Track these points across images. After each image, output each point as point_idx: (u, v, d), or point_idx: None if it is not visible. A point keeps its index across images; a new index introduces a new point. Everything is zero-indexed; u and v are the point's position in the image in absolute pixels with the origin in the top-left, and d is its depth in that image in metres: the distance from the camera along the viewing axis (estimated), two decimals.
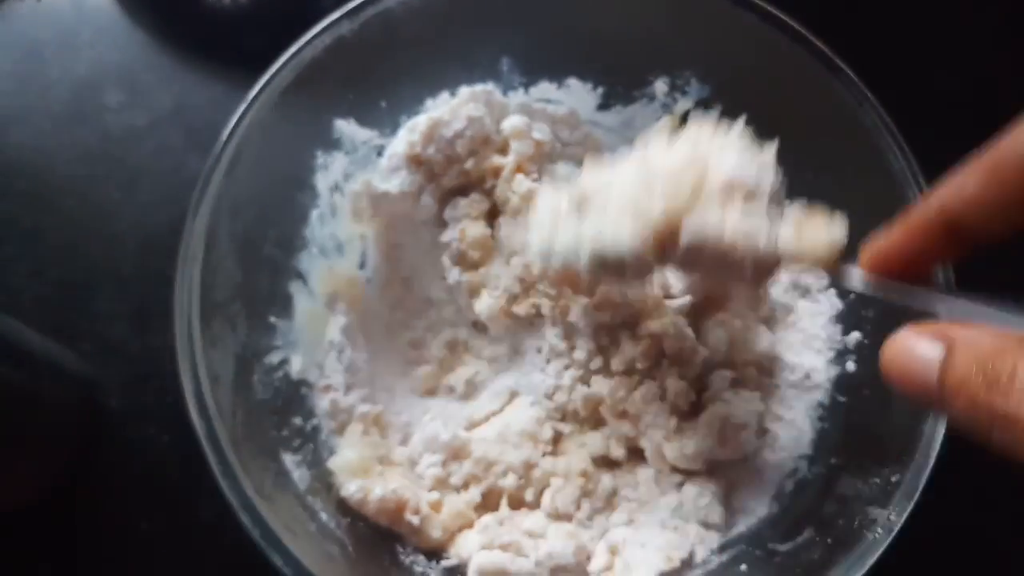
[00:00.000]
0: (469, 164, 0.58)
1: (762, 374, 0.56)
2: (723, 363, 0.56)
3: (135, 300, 0.62)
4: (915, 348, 0.32)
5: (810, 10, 0.53)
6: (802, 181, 0.58)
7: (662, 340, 0.55)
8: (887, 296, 0.41)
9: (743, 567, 0.51)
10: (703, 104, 0.59)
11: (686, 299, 0.55)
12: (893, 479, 0.47)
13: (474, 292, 0.58)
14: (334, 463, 0.52)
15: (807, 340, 0.57)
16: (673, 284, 0.56)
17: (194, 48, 0.68)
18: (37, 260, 0.62)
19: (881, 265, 0.40)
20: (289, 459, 0.50)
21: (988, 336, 0.30)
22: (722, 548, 0.53)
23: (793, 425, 0.56)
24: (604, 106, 0.61)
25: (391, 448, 0.55)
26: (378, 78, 0.55)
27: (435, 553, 0.52)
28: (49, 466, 0.56)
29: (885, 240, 0.40)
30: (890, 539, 0.46)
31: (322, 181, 0.55)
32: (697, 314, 0.56)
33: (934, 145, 0.51)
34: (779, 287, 0.59)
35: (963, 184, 0.36)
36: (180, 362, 0.45)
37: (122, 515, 0.57)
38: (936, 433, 0.47)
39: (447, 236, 0.58)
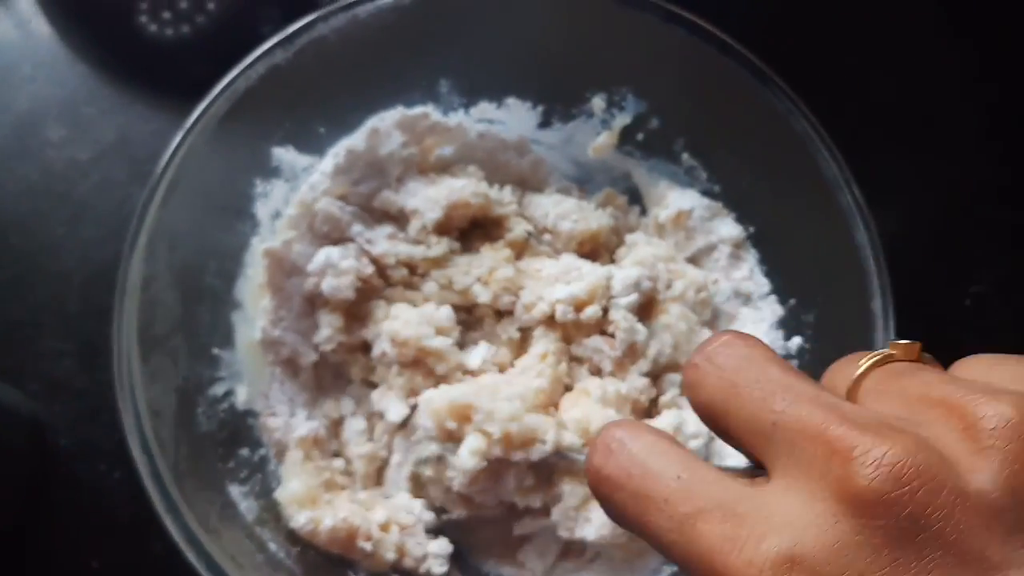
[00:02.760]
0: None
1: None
2: (669, 366, 0.56)
3: (82, 336, 0.61)
4: None
5: (742, 21, 0.54)
6: (738, 190, 0.59)
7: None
8: None
9: None
10: (640, 119, 0.60)
11: (632, 297, 0.55)
12: None
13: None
14: (280, 495, 0.51)
15: (755, 322, 0.58)
16: (617, 285, 0.56)
17: (137, 79, 0.67)
18: None
19: None
20: (236, 491, 0.50)
21: None
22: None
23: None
24: (544, 124, 0.61)
25: (335, 471, 0.54)
26: (315, 103, 0.55)
27: (386, 575, 0.52)
28: None
29: None
30: None
31: (262, 209, 0.55)
32: (640, 316, 0.56)
33: (874, 146, 0.52)
34: (722, 295, 0.59)
35: None
36: (119, 399, 0.45)
37: (73, 554, 0.56)
38: None
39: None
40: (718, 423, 0.28)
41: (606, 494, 0.28)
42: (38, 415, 0.59)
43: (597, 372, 0.56)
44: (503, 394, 0.51)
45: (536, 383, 0.53)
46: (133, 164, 0.65)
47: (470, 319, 0.57)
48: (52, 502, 0.57)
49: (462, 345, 0.55)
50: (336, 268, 0.54)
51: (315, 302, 0.55)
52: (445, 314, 0.54)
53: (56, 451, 0.58)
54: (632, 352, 0.55)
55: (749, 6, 0.70)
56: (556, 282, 0.55)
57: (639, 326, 0.54)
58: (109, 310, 0.46)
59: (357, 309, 0.55)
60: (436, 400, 0.51)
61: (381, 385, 0.54)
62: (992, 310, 0.66)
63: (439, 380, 0.53)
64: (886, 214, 0.53)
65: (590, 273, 0.55)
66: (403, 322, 0.53)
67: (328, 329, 0.54)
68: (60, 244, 0.63)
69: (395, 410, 0.52)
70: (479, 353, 0.54)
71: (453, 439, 0.51)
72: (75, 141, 0.66)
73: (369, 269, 0.55)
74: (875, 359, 0.28)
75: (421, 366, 0.53)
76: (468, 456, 0.50)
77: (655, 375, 0.57)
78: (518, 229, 0.59)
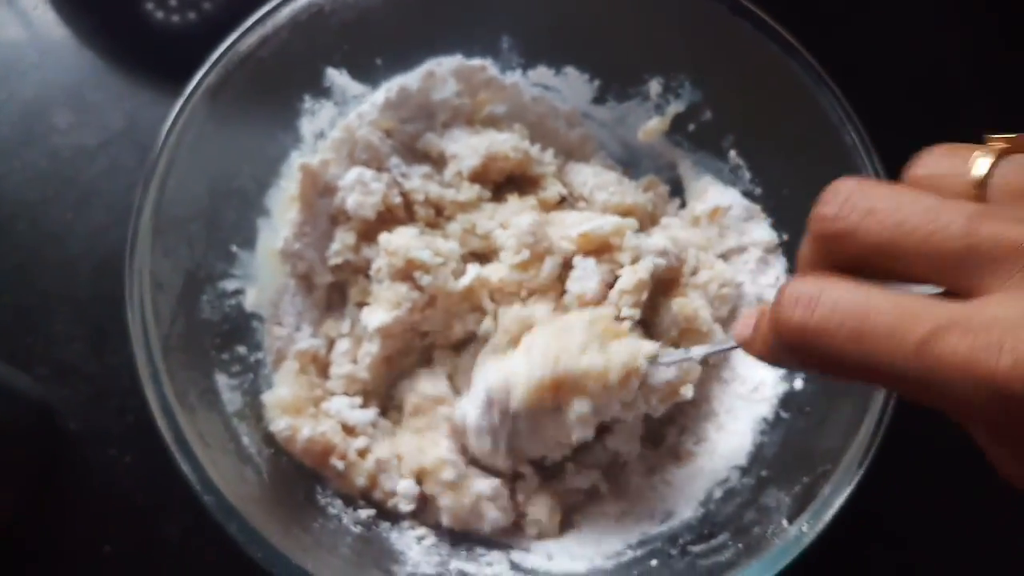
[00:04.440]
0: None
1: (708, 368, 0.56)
2: (670, 343, 0.55)
3: (91, 321, 0.61)
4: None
5: (800, 19, 0.53)
6: (778, 196, 0.58)
7: None
8: None
9: (653, 562, 0.50)
10: (694, 109, 0.59)
11: (657, 260, 0.54)
12: (813, 493, 0.46)
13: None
14: (267, 397, 0.52)
15: None
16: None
17: (144, 66, 0.68)
18: None
19: None
20: (223, 381, 0.51)
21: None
22: (640, 543, 0.52)
23: (735, 436, 0.55)
24: (599, 100, 0.62)
25: (325, 390, 0.55)
26: (377, 34, 0.56)
27: (353, 500, 0.53)
28: (8, 492, 0.56)
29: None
30: (800, 550, 0.45)
31: (307, 126, 0.57)
32: (656, 291, 0.55)
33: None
34: (744, 301, 0.58)
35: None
36: (127, 263, 0.46)
37: (84, 539, 0.57)
38: (861, 453, 0.46)
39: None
40: (886, 264, 0.29)
41: (818, 346, 0.29)
42: (47, 400, 0.59)
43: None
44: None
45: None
46: (141, 150, 0.65)
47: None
48: (62, 487, 0.58)
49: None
50: (365, 187, 0.55)
51: (338, 219, 0.56)
52: (448, 245, 0.54)
53: (66, 435, 0.59)
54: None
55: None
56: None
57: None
58: (117, 295, 0.46)
59: (373, 234, 0.55)
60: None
61: (372, 303, 0.54)
62: None
63: (424, 292, 0.53)
64: None
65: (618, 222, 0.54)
66: (399, 235, 0.54)
67: (340, 244, 0.55)
68: (68, 230, 0.64)
69: (375, 318, 0.52)
70: (469, 275, 0.54)
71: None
72: (82, 127, 0.66)
73: (397, 199, 0.56)
74: (989, 155, 0.29)
75: (409, 280, 0.53)
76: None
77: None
78: (552, 189, 0.59)
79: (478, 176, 0.58)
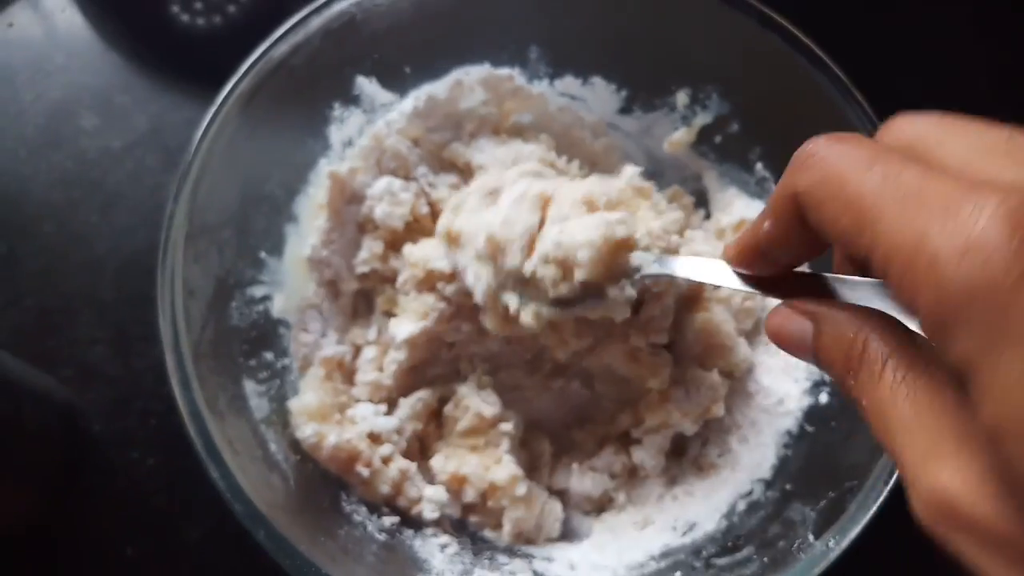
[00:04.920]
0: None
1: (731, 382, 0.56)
2: (695, 360, 0.55)
3: (115, 324, 0.62)
4: (789, 324, 0.33)
5: (830, 32, 0.53)
6: None
7: None
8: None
9: (677, 574, 0.50)
10: (721, 121, 0.59)
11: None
12: (839, 509, 0.46)
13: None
14: (293, 404, 0.52)
15: (786, 368, 0.57)
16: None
17: (169, 69, 0.69)
18: (15, 287, 0.62)
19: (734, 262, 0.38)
20: (251, 387, 0.51)
21: (845, 314, 0.31)
22: (663, 555, 0.52)
23: (758, 449, 0.55)
24: (625, 110, 0.62)
25: (351, 397, 0.55)
26: (406, 43, 0.57)
27: (377, 508, 0.53)
28: (31, 493, 0.56)
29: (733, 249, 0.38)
30: (825, 565, 0.45)
31: (335, 133, 0.57)
32: (679, 308, 0.56)
33: None
34: (767, 311, 0.58)
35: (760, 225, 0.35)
36: (159, 270, 0.46)
37: (107, 541, 0.57)
38: (888, 469, 0.46)
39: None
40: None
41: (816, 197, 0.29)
42: (71, 402, 0.60)
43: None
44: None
45: None
46: (166, 152, 0.65)
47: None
48: (85, 489, 0.58)
49: None
50: (394, 196, 0.55)
51: (365, 228, 0.56)
52: None
53: (89, 438, 0.59)
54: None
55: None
56: None
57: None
58: (142, 297, 0.47)
59: (400, 243, 0.56)
60: None
61: (399, 313, 0.55)
62: None
63: (449, 303, 0.53)
64: None
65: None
66: (422, 247, 0.54)
67: (367, 252, 0.55)
68: (93, 232, 0.64)
69: (403, 329, 0.53)
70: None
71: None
72: (108, 130, 0.67)
73: (424, 209, 0.56)
74: None
75: (434, 291, 0.53)
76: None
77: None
78: None
79: None
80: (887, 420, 0.28)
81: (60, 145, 0.67)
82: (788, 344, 0.33)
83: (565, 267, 0.46)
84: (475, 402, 0.53)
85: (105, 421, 0.60)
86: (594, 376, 0.57)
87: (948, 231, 0.24)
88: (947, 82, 0.72)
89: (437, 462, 0.53)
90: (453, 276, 0.52)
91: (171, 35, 0.71)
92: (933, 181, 0.26)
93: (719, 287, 0.56)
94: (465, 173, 0.60)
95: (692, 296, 0.56)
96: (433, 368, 0.56)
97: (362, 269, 0.56)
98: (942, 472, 0.25)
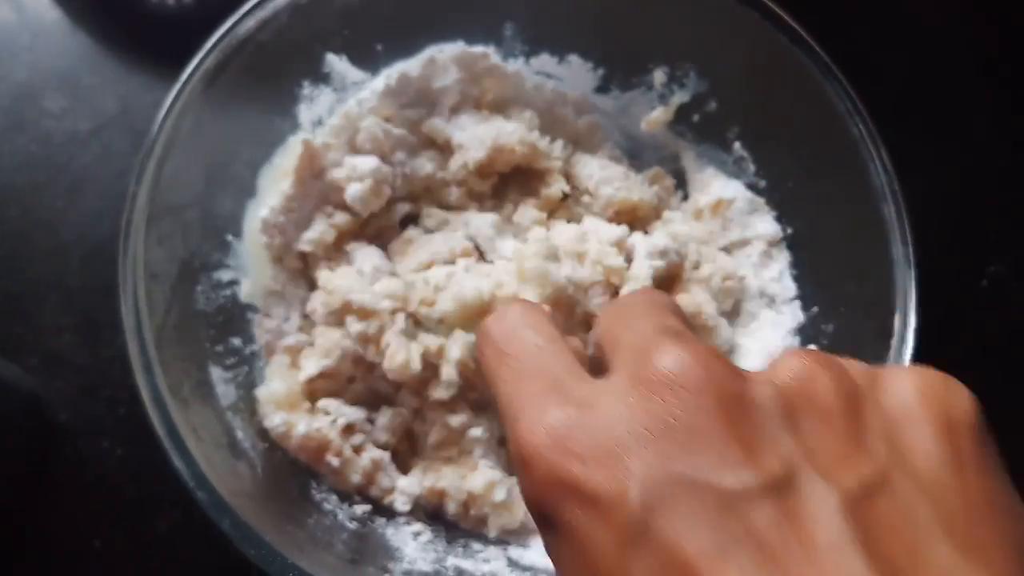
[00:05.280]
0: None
1: None
2: None
3: (82, 311, 0.60)
4: None
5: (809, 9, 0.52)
6: (783, 189, 0.57)
7: None
8: None
9: None
10: (699, 99, 0.58)
11: (656, 263, 0.54)
12: None
13: None
14: (261, 393, 0.51)
15: (765, 349, 0.56)
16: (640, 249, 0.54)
17: (139, 50, 0.66)
18: None
19: None
20: (217, 373, 0.50)
21: None
22: None
23: None
24: (602, 89, 0.60)
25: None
26: (377, 19, 0.55)
27: (349, 496, 0.52)
28: None
29: None
30: None
31: (305, 112, 0.55)
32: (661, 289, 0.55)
33: (889, 127, 0.51)
34: (747, 295, 0.58)
35: None
36: (120, 251, 0.45)
37: (74, 533, 0.56)
38: None
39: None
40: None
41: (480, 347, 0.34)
42: (37, 391, 0.58)
43: None
44: None
45: None
46: (134, 135, 0.63)
47: None
48: (53, 479, 0.57)
49: None
50: (378, 180, 0.54)
51: (320, 208, 0.55)
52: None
53: (56, 427, 0.58)
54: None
55: None
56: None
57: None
58: (110, 284, 0.45)
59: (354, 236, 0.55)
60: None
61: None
62: (1010, 291, 0.66)
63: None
64: (907, 192, 0.51)
65: (607, 234, 0.53)
66: (340, 273, 0.53)
67: (316, 233, 0.54)
68: (60, 217, 0.62)
69: (307, 367, 0.52)
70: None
71: None
72: (75, 112, 0.65)
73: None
74: None
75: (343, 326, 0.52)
76: None
77: None
78: (555, 187, 0.58)
79: (484, 168, 0.57)
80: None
81: (24, 128, 0.64)
82: None
83: None
84: (440, 414, 0.52)
85: (72, 410, 0.58)
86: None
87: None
88: (931, 59, 0.71)
89: (414, 478, 0.52)
90: (369, 314, 0.51)
91: (141, 15, 0.69)
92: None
93: (698, 268, 0.56)
94: (445, 151, 0.58)
95: (671, 277, 0.55)
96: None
97: (304, 247, 0.54)
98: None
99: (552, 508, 0.27)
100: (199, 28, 0.49)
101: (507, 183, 0.59)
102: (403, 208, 0.58)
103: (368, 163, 0.54)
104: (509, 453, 0.32)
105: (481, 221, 0.56)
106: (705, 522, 0.24)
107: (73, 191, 0.63)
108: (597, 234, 0.54)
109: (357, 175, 0.54)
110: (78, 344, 0.59)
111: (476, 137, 0.56)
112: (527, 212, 0.58)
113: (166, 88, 0.48)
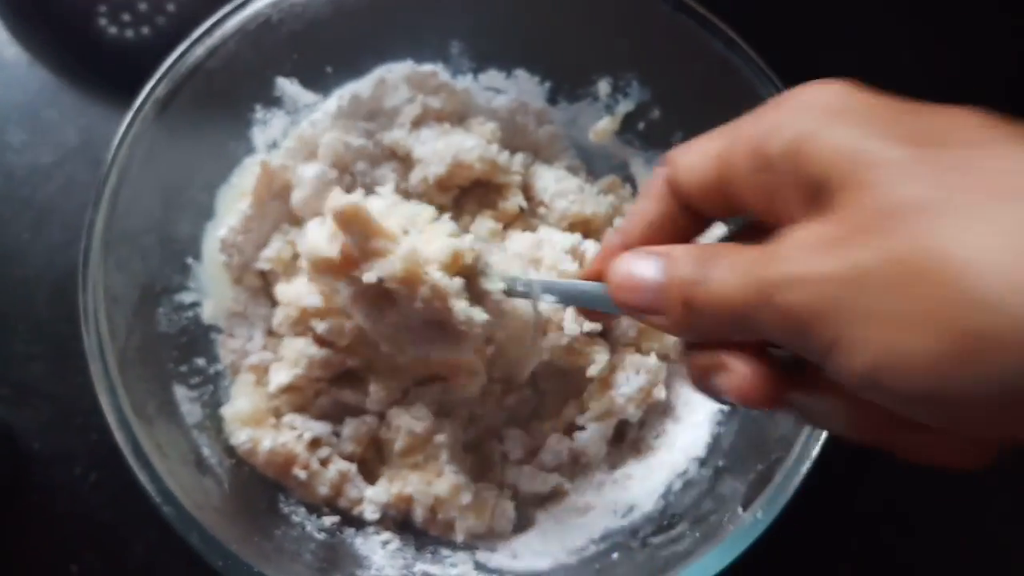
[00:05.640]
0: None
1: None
2: (632, 345, 0.56)
3: (51, 340, 0.61)
4: (635, 263, 0.35)
5: (743, 14, 0.54)
6: None
7: None
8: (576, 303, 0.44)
9: (614, 556, 0.51)
10: (643, 108, 0.60)
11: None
12: (766, 480, 0.47)
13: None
14: (226, 411, 0.52)
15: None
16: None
17: (98, 82, 0.68)
18: None
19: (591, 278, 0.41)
20: (182, 393, 0.51)
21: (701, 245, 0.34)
22: (602, 538, 0.53)
23: (693, 428, 0.56)
24: (551, 101, 0.62)
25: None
26: (325, 42, 0.56)
27: (317, 508, 0.53)
28: None
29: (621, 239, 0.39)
30: (754, 536, 0.46)
31: (259, 136, 0.57)
32: None
33: None
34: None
35: (635, 213, 0.38)
36: (80, 276, 0.46)
37: (51, 559, 0.57)
38: (810, 439, 0.47)
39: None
40: None
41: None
42: (8, 421, 0.59)
43: None
44: None
45: None
46: (96, 166, 0.60)
47: None
48: (27, 507, 0.58)
49: None
50: (321, 184, 0.55)
51: (285, 219, 0.56)
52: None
53: (29, 456, 0.59)
54: None
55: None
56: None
57: None
58: (77, 314, 0.46)
59: None
60: None
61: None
62: None
63: (323, 343, 0.54)
64: None
65: (561, 242, 0.55)
66: (294, 284, 0.54)
67: (273, 251, 0.55)
68: (26, 249, 0.63)
69: (277, 378, 0.53)
70: None
71: None
72: (36, 145, 0.66)
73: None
74: None
75: (308, 332, 0.54)
76: None
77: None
78: (513, 201, 0.59)
79: (444, 183, 0.58)
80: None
81: None
82: (633, 288, 0.35)
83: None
84: (405, 420, 0.53)
85: (44, 439, 0.59)
86: (537, 375, 0.58)
87: None
88: (868, 60, 0.74)
89: (381, 487, 0.53)
90: (328, 311, 0.52)
91: (99, 48, 0.70)
92: None
93: None
94: (406, 164, 0.59)
95: None
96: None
97: (263, 266, 0.55)
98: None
99: None
100: (157, 59, 0.51)
101: (466, 195, 0.61)
102: None
103: (311, 170, 0.55)
104: None
105: None
106: None
107: (38, 223, 0.64)
108: (551, 242, 0.56)
109: (301, 181, 0.55)
110: (48, 373, 0.60)
111: (436, 152, 0.58)
112: (484, 223, 0.59)
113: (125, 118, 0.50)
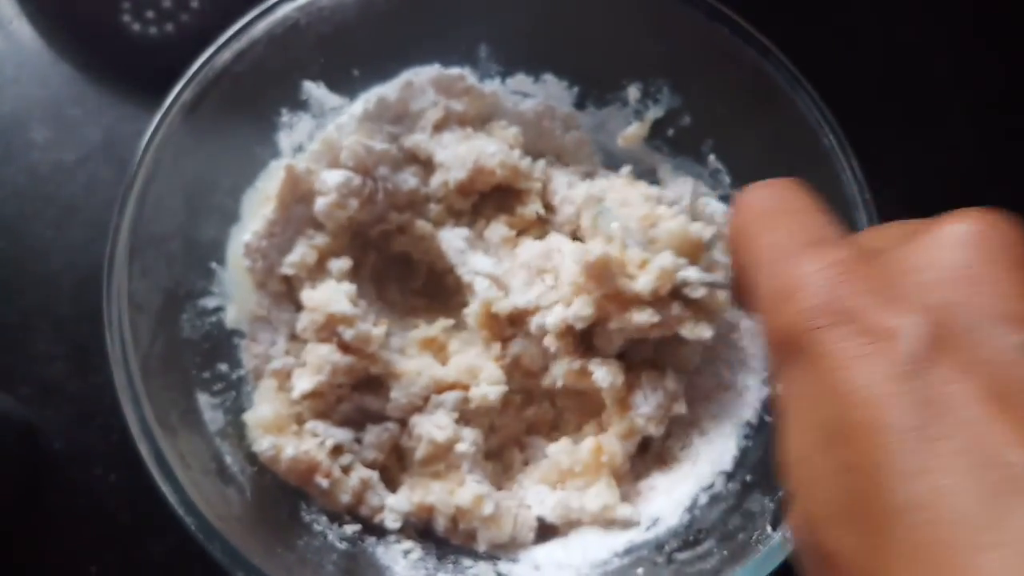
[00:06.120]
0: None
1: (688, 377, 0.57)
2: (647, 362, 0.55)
3: (73, 339, 0.61)
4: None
5: (778, 23, 0.53)
6: None
7: None
8: None
9: (639, 571, 0.50)
10: (673, 114, 0.59)
11: None
12: None
13: None
14: (249, 417, 0.52)
15: (745, 359, 0.57)
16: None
17: (122, 79, 0.67)
18: None
19: None
20: (205, 400, 0.51)
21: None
22: (627, 551, 0.52)
23: (719, 441, 0.55)
24: (578, 106, 0.61)
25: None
26: (352, 45, 0.56)
27: (339, 516, 0.52)
28: None
29: None
30: (784, 556, 0.45)
31: (285, 139, 0.56)
32: None
33: (868, 131, 0.52)
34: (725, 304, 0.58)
35: None
36: (104, 283, 0.46)
37: (70, 560, 0.57)
38: None
39: None
40: None
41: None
42: (30, 419, 0.59)
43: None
44: None
45: None
46: (120, 164, 0.63)
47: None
48: (47, 507, 0.58)
49: None
50: (346, 192, 0.54)
51: (310, 224, 0.56)
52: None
53: (50, 455, 0.59)
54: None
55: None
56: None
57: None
58: (100, 312, 0.46)
59: (337, 251, 0.56)
60: None
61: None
62: None
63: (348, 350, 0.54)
64: (881, 200, 0.52)
65: (569, 252, 0.53)
66: (321, 289, 0.54)
67: (298, 256, 0.55)
68: (48, 247, 0.63)
69: (300, 385, 0.53)
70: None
71: None
72: (61, 143, 0.66)
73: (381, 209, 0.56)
74: None
75: (333, 338, 0.53)
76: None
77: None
78: (531, 207, 0.59)
79: (465, 188, 0.57)
80: None
81: (11, 159, 0.65)
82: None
83: None
84: (426, 428, 0.53)
85: (65, 438, 0.59)
86: (554, 393, 0.57)
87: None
88: (901, 68, 0.73)
89: (402, 495, 0.53)
90: (355, 320, 0.52)
91: (123, 45, 0.70)
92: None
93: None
94: (427, 168, 0.59)
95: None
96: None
97: (286, 270, 0.55)
98: None
99: (811, 336, 0.29)
100: (182, 56, 0.50)
101: (485, 199, 0.60)
102: (392, 219, 0.58)
103: (335, 176, 0.55)
104: (760, 289, 0.33)
105: (453, 235, 0.57)
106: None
107: (61, 220, 0.64)
108: (561, 251, 0.55)
109: (325, 188, 0.55)
110: (70, 372, 0.60)
111: (457, 157, 0.57)
112: (498, 229, 0.58)
113: (150, 117, 0.49)
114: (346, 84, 0.57)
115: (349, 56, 0.56)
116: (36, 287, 0.62)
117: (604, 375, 0.52)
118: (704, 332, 0.51)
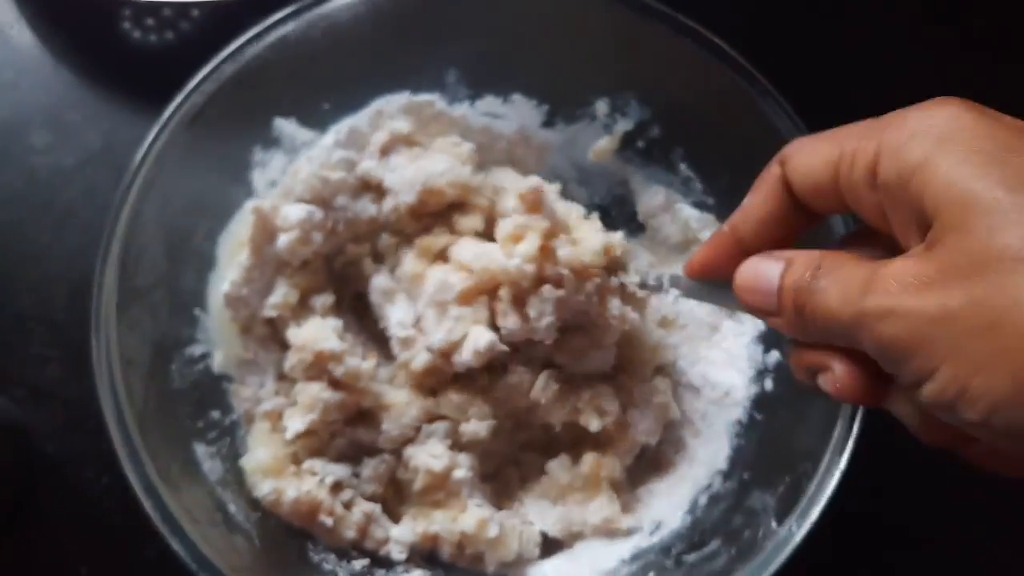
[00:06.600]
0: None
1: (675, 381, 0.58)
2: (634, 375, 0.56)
3: (68, 344, 0.61)
4: (760, 266, 0.39)
5: (740, 31, 0.54)
6: (731, 204, 0.59)
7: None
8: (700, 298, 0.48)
9: (651, 575, 0.51)
10: (642, 126, 0.60)
11: None
12: (797, 493, 0.48)
13: None
14: (246, 462, 0.52)
15: (730, 359, 0.58)
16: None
17: (122, 86, 0.67)
18: None
19: (697, 273, 0.46)
20: (202, 450, 0.50)
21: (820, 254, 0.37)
22: (634, 558, 0.53)
23: (712, 441, 0.57)
24: (548, 123, 0.62)
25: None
26: (321, 79, 0.56)
27: (346, 553, 0.52)
28: None
29: (697, 256, 0.46)
30: (790, 550, 0.46)
31: (259, 177, 0.56)
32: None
33: None
34: (706, 307, 0.59)
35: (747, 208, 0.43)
36: (93, 342, 0.45)
37: (61, 561, 0.56)
38: (841, 449, 0.47)
39: None
40: None
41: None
42: (23, 422, 0.59)
43: None
44: None
45: None
46: (118, 171, 0.60)
47: None
48: (40, 509, 0.57)
49: None
50: (308, 227, 0.53)
51: (280, 269, 0.55)
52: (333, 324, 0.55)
53: (43, 458, 0.58)
54: None
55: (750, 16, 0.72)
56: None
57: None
58: None
59: (318, 288, 0.56)
60: None
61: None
62: None
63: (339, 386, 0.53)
64: None
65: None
66: (307, 327, 0.54)
67: (279, 297, 0.54)
68: (45, 251, 0.63)
69: (293, 425, 0.53)
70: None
71: None
72: (60, 148, 0.65)
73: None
74: None
75: (323, 376, 0.53)
76: None
77: None
78: (471, 220, 0.57)
79: (417, 210, 0.56)
80: None
81: (10, 163, 0.65)
82: (755, 286, 0.39)
83: None
84: (422, 459, 0.53)
85: (58, 441, 0.59)
86: (546, 422, 0.57)
87: None
88: (873, 77, 0.74)
89: (406, 526, 0.53)
90: (344, 356, 0.52)
91: (123, 51, 0.69)
92: None
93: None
94: (377, 194, 0.57)
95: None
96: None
97: (269, 313, 0.54)
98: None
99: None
100: (181, 64, 0.50)
101: (443, 215, 0.58)
102: (349, 252, 0.57)
103: (297, 212, 0.54)
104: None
105: (380, 279, 0.56)
106: None
107: (58, 225, 0.64)
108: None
109: (287, 225, 0.54)
110: (64, 376, 0.60)
111: (405, 180, 0.56)
112: (408, 263, 0.56)
113: (149, 123, 0.49)
114: (317, 117, 0.57)
115: (318, 89, 0.56)
116: (32, 291, 0.62)
117: (597, 424, 0.54)
118: (629, 315, 0.53)
